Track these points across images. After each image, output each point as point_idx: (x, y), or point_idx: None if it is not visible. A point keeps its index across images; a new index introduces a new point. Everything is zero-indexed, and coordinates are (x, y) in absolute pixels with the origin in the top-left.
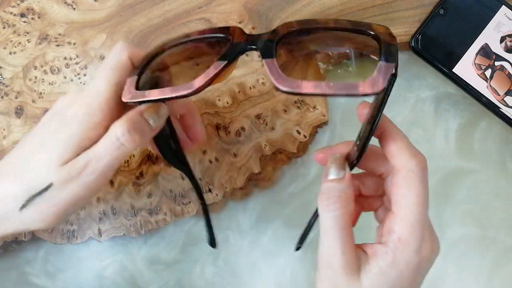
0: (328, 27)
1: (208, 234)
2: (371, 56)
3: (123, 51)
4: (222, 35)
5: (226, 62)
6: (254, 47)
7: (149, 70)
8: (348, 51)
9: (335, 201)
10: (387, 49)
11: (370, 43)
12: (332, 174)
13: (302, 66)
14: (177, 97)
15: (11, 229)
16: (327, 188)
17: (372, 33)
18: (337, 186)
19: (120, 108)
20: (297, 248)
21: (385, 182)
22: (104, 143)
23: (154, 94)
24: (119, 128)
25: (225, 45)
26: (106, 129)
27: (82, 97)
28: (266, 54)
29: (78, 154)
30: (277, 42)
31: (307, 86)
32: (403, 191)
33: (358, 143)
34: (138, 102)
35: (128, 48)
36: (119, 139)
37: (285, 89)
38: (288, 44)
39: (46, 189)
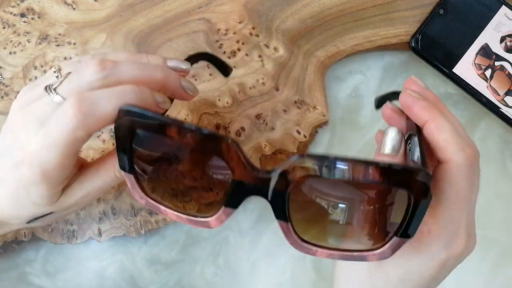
0: (352, 180)
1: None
2: (390, 219)
3: (79, 129)
4: (219, 155)
5: (235, 209)
6: (265, 196)
7: (138, 157)
8: (366, 211)
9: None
10: (412, 218)
11: (395, 197)
12: (388, 149)
13: (311, 216)
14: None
15: (15, 229)
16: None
17: (407, 192)
18: (390, 160)
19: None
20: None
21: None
22: (102, 178)
23: (171, 215)
24: (117, 169)
25: (224, 167)
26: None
27: (31, 156)
28: (279, 214)
29: (62, 189)
30: (289, 194)
31: (322, 253)
32: (443, 185)
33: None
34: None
35: (86, 125)
36: (116, 175)
37: (301, 251)
38: (300, 190)
39: (47, 214)
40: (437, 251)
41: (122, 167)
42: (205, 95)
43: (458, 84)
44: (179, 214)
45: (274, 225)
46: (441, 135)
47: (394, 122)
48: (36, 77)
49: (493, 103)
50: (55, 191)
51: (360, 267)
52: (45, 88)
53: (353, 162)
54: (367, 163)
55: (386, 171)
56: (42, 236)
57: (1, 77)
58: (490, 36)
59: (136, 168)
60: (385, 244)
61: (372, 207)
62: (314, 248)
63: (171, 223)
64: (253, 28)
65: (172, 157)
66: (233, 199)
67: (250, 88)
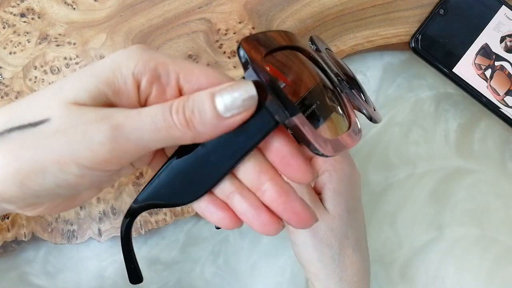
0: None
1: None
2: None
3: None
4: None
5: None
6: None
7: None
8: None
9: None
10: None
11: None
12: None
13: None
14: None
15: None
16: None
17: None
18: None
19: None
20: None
21: None
22: (147, 111)
23: (348, 141)
24: (176, 101)
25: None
26: (134, 86)
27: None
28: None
29: (94, 99)
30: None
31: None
32: None
33: None
34: (337, 154)
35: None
36: (170, 109)
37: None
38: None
39: (35, 124)
40: (349, 170)
41: (292, 112)
42: None
43: (458, 84)
44: (349, 133)
45: None
46: None
47: None
48: (36, 77)
49: (493, 103)
50: (93, 89)
51: (305, 237)
52: None
53: None
54: None
55: None
56: (42, 236)
57: (1, 77)
58: (490, 36)
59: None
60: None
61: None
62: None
63: (171, 223)
64: (253, 28)
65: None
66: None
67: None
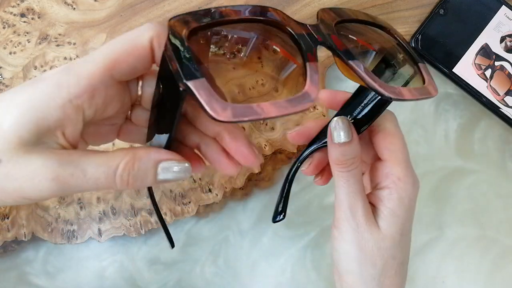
0: (359, 20)
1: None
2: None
3: (145, 32)
4: (266, 19)
5: (317, 62)
6: (330, 45)
7: (202, 60)
8: (387, 49)
9: (352, 162)
10: (411, 49)
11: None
12: (342, 138)
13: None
14: (296, 112)
15: None
16: (340, 152)
17: (392, 32)
18: (349, 148)
19: (104, 102)
20: (278, 220)
21: (373, 138)
22: (95, 162)
23: (270, 109)
24: (124, 163)
25: (281, 33)
26: (75, 112)
27: (71, 63)
28: (349, 56)
29: (37, 135)
30: (340, 38)
31: (406, 93)
32: (390, 139)
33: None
34: (241, 121)
35: (153, 29)
36: (116, 171)
37: (390, 96)
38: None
39: None
40: (410, 191)
41: (189, 76)
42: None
43: (458, 84)
44: (276, 101)
45: (274, 225)
46: None
47: (334, 105)
48: (36, 77)
49: (493, 103)
50: (39, 125)
51: (350, 247)
52: None
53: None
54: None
55: None
56: (42, 236)
57: (1, 77)
58: (490, 36)
59: (203, 70)
60: (423, 76)
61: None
62: (397, 87)
63: (171, 223)
64: None
65: (232, 42)
66: (307, 50)
67: (250, 89)
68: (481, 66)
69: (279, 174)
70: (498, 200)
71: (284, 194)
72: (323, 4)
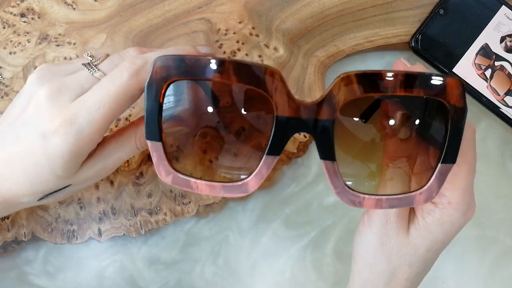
0: (396, 94)
1: None
2: (433, 148)
3: (129, 75)
4: (256, 87)
5: (277, 157)
6: (307, 130)
7: (168, 122)
8: (411, 140)
9: (400, 160)
10: (453, 140)
11: (435, 112)
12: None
13: (357, 151)
14: (227, 196)
15: (21, 208)
16: (394, 148)
17: (445, 103)
18: (404, 146)
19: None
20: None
21: None
22: (121, 149)
23: (204, 188)
24: (137, 139)
25: (262, 103)
26: (88, 147)
27: (70, 122)
28: (325, 153)
29: (78, 163)
30: (335, 125)
31: (369, 204)
32: (457, 161)
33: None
34: (175, 186)
35: (135, 71)
36: (136, 146)
37: (345, 202)
38: (346, 117)
39: (65, 187)
40: (457, 218)
41: (149, 136)
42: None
43: None
44: (212, 183)
45: (274, 225)
46: None
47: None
48: None
49: (493, 103)
50: (79, 162)
51: (372, 238)
52: (84, 64)
53: (396, 74)
54: (409, 73)
55: (425, 79)
56: (42, 236)
57: (1, 77)
58: (490, 36)
59: (165, 136)
60: (431, 178)
61: (414, 140)
62: (361, 196)
63: (171, 223)
64: (253, 28)
65: (207, 115)
66: (277, 141)
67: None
68: (481, 66)
69: (279, 174)
70: (498, 200)
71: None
72: (323, 4)
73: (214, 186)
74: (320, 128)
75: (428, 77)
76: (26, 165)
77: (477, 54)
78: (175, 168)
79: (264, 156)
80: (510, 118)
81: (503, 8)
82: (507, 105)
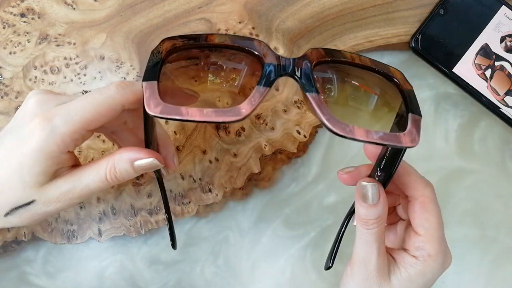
0: (354, 63)
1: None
2: (392, 102)
3: (117, 97)
4: (248, 48)
5: (268, 88)
6: (292, 74)
7: (166, 73)
8: (374, 91)
9: (373, 222)
10: (412, 100)
11: (390, 89)
12: (370, 200)
13: (335, 100)
14: (222, 122)
15: None
16: (366, 213)
17: (395, 80)
18: (375, 210)
19: (88, 134)
20: (328, 268)
21: (408, 206)
22: (91, 176)
23: (194, 114)
24: (108, 170)
25: (254, 61)
26: (63, 157)
27: (48, 119)
28: (308, 87)
29: (52, 174)
30: (312, 72)
31: (360, 133)
32: (426, 216)
33: (379, 173)
34: (168, 118)
35: (123, 95)
36: (106, 176)
37: (337, 131)
38: (318, 76)
39: (28, 203)
40: (437, 269)
41: (146, 77)
42: (205, 96)
43: (458, 84)
44: (204, 108)
45: (274, 225)
46: (410, 176)
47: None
48: (36, 77)
49: (493, 103)
50: (47, 169)
51: (374, 283)
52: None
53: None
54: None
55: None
56: (42, 236)
57: (1, 77)
58: (490, 36)
59: (161, 77)
60: (407, 124)
61: (375, 87)
62: (351, 125)
63: None
64: (253, 28)
65: (202, 57)
66: (266, 76)
67: (250, 88)
68: (481, 66)
69: (279, 174)
70: (498, 200)
71: (336, 246)
72: (323, 4)
73: (206, 111)
74: (300, 71)
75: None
76: (0, 171)
77: (477, 54)
78: (164, 100)
79: (256, 87)
80: (510, 118)
81: (503, 8)
82: (507, 105)
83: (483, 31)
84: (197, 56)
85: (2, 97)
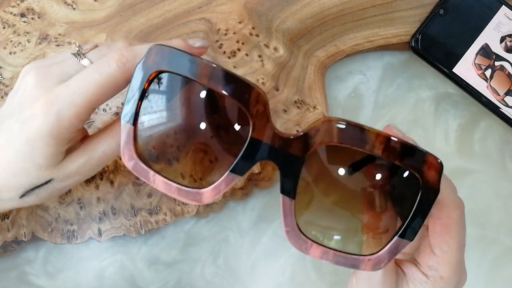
0: (372, 154)
1: None
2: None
3: (120, 75)
4: (241, 105)
5: (239, 177)
6: (275, 160)
7: (146, 110)
8: (373, 198)
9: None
10: (416, 216)
11: (409, 186)
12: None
13: (319, 192)
14: (177, 198)
15: (9, 208)
16: None
17: (419, 179)
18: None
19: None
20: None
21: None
22: (106, 142)
23: (159, 184)
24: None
25: (243, 119)
26: (71, 134)
27: (51, 103)
28: (286, 189)
29: (65, 151)
30: (304, 163)
31: (315, 253)
32: (446, 239)
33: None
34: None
35: (122, 62)
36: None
37: (292, 244)
38: (315, 161)
39: (46, 183)
40: None
41: (123, 116)
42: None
43: (458, 84)
44: (168, 182)
45: (274, 225)
46: (442, 194)
47: None
48: None
49: (493, 103)
50: (59, 150)
51: None
52: (72, 53)
53: (379, 133)
54: (391, 138)
55: (406, 149)
56: (42, 236)
57: (1, 77)
58: (490, 36)
59: (139, 121)
60: (383, 248)
61: (380, 201)
62: (310, 242)
63: (171, 223)
64: (253, 28)
65: (185, 113)
66: (244, 162)
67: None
68: (481, 66)
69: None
70: (498, 200)
71: None
72: (323, 4)
73: (170, 185)
74: (288, 162)
75: (410, 147)
76: (7, 155)
77: (477, 54)
78: (138, 154)
79: (227, 172)
80: (510, 118)
81: (503, 8)
82: (507, 105)
83: (483, 31)
84: (177, 100)
85: (2, 97)
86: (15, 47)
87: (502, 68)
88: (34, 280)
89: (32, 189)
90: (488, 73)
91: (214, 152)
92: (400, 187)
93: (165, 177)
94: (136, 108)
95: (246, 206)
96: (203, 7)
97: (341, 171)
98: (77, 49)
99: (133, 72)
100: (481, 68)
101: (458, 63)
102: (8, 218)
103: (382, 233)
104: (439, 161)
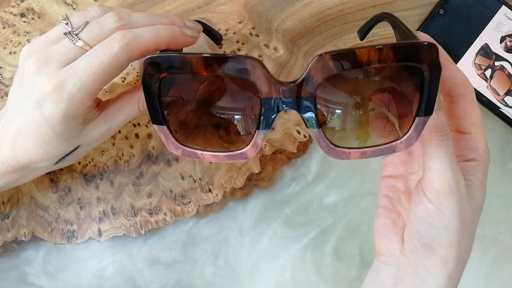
0: (369, 62)
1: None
2: (409, 99)
3: (124, 55)
4: (245, 76)
5: (268, 130)
6: (291, 106)
7: (168, 107)
8: (386, 97)
9: (448, 131)
10: (429, 93)
11: (410, 74)
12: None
13: (339, 122)
14: (229, 162)
15: (44, 172)
16: (439, 119)
17: (419, 65)
18: (442, 116)
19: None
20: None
21: (453, 107)
22: (126, 111)
23: (209, 158)
24: (141, 104)
25: (252, 88)
26: (83, 108)
27: (61, 89)
28: (311, 123)
29: (85, 121)
30: (316, 99)
31: (355, 156)
32: (476, 113)
33: None
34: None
35: (125, 44)
36: (140, 108)
37: (333, 157)
38: (325, 92)
39: (74, 150)
40: (489, 162)
41: (154, 121)
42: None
43: None
44: (216, 153)
45: (274, 225)
46: (458, 74)
47: None
48: None
49: (493, 103)
50: (79, 122)
51: (386, 275)
52: (65, 34)
53: (368, 48)
54: (379, 46)
55: (398, 48)
56: (42, 236)
57: (1, 77)
58: (490, 36)
59: (168, 118)
60: (409, 129)
61: (389, 97)
62: (347, 151)
63: (171, 223)
64: (253, 28)
65: (200, 99)
66: (265, 118)
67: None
68: (481, 66)
69: (279, 174)
70: (498, 200)
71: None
72: (323, 4)
73: (218, 155)
74: (302, 104)
75: (399, 46)
76: (33, 134)
77: (477, 54)
78: (182, 142)
79: (256, 131)
80: (510, 118)
81: (503, 8)
82: (507, 105)
83: (483, 31)
84: (190, 91)
85: (2, 97)
86: (15, 47)
87: (502, 68)
88: (34, 280)
89: (64, 157)
90: (488, 73)
91: (238, 122)
92: (407, 79)
93: (210, 151)
94: (161, 112)
95: (246, 206)
96: (203, 7)
97: (351, 89)
98: (69, 29)
99: (141, 86)
100: (481, 68)
101: (458, 63)
102: (8, 218)
103: (405, 119)
104: (429, 43)
